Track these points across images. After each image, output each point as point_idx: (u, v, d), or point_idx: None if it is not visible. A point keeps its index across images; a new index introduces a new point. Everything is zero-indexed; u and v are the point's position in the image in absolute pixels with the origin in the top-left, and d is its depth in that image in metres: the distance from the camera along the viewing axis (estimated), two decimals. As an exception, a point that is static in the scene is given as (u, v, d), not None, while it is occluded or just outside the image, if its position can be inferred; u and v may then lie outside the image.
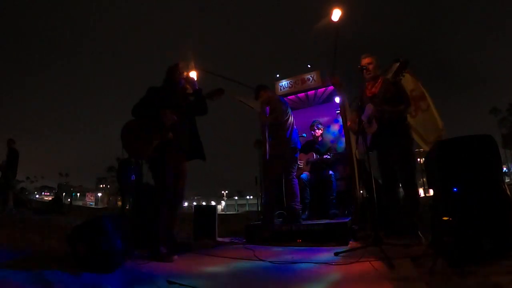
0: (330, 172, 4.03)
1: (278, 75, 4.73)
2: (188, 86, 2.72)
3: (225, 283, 1.65)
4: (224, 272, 1.88)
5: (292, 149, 3.39)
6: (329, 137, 4.83)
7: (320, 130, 4.35)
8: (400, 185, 2.70)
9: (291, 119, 3.48)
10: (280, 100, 3.56)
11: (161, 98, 2.47)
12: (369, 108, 2.65)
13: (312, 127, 4.37)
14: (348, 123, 2.87)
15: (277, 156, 3.37)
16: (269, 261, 2.05)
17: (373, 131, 2.66)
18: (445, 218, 1.70)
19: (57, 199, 9.58)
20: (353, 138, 3.60)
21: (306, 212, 3.83)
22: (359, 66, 2.87)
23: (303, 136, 4.32)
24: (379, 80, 2.81)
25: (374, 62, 2.87)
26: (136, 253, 2.22)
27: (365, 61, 2.89)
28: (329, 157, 4.04)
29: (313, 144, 4.34)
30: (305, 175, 4.06)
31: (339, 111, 4.42)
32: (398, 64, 2.40)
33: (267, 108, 4.64)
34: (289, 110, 3.51)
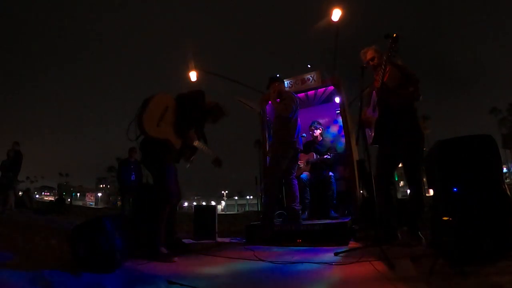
0: (330, 172, 4.03)
1: (278, 75, 4.74)
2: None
3: (225, 283, 1.64)
4: (224, 272, 1.88)
5: (295, 150, 3.39)
6: (329, 137, 4.84)
7: (318, 130, 4.35)
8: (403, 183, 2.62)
9: (298, 120, 3.47)
10: (293, 95, 3.51)
11: (195, 118, 2.58)
12: (375, 98, 2.50)
13: (310, 128, 4.37)
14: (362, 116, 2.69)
15: (278, 157, 3.37)
16: (269, 261, 2.04)
17: (375, 119, 2.49)
18: (445, 218, 1.70)
19: (60, 199, 9.62)
20: (353, 138, 3.59)
21: (306, 212, 3.83)
22: (364, 65, 2.63)
23: (303, 136, 4.32)
24: (387, 68, 2.47)
25: (376, 55, 2.65)
26: (136, 253, 2.22)
27: (367, 56, 2.69)
28: (329, 157, 4.04)
29: (313, 144, 4.34)
30: (305, 175, 4.06)
31: (339, 111, 4.43)
32: (390, 41, 2.15)
33: (267, 107, 4.66)
34: (297, 110, 3.46)
